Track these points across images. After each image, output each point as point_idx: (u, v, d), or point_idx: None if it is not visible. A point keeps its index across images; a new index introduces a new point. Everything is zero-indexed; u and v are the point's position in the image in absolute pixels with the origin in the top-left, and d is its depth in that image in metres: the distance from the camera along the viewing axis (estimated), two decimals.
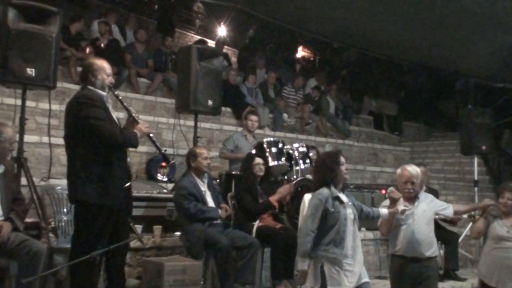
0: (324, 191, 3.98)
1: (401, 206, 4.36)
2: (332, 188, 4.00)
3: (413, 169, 4.52)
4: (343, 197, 4.06)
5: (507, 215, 4.80)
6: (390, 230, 4.49)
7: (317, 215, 3.90)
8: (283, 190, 5.54)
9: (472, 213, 5.14)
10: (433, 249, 4.47)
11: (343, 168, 4.08)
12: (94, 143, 3.93)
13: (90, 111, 3.92)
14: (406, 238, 4.41)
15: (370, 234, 6.80)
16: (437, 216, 4.91)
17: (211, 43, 11.32)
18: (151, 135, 4.31)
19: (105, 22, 9.12)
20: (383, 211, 4.41)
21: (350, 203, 4.10)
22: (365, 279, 4.06)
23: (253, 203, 5.51)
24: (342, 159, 4.11)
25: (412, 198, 4.52)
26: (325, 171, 4.08)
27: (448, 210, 4.66)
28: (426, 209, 4.51)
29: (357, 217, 4.12)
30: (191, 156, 5.42)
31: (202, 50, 6.43)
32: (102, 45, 8.70)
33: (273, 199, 5.48)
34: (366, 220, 4.78)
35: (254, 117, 7.19)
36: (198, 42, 10.63)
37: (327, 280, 3.87)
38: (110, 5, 10.72)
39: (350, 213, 4.03)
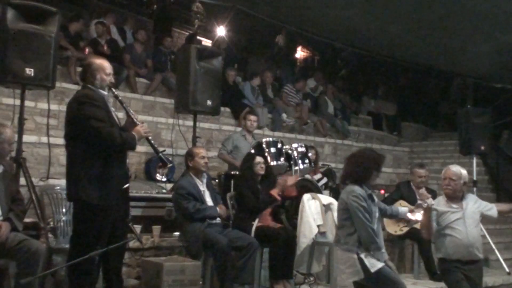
0: (357, 188, 4.07)
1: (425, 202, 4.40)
2: (364, 187, 4.10)
3: (456, 168, 4.58)
4: (374, 195, 4.20)
5: None
6: (430, 232, 4.49)
7: (367, 210, 4.01)
8: (282, 182, 5.59)
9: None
10: (482, 250, 4.52)
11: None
12: (94, 143, 3.93)
13: (91, 111, 3.91)
14: (459, 241, 4.41)
15: None
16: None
17: (203, 40, 11.32)
18: (149, 137, 4.29)
19: (101, 23, 9.11)
20: (402, 209, 4.54)
21: (376, 201, 4.25)
22: None
23: (255, 200, 5.52)
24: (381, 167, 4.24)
25: (458, 200, 4.54)
26: (365, 170, 4.15)
27: (493, 210, 4.65)
28: (474, 211, 4.53)
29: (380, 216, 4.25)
30: (189, 156, 5.44)
31: (201, 50, 6.44)
32: (105, 48, 8.70)
33: (275, 192, 5.51)
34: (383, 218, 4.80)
35: (253, 117, 7.20)
36: (189, 38, 10.63)
37: (367, 265, 3.93)
38: (109, 5, 10.70)
39: (377, 211, 4.17)
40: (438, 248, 4.58)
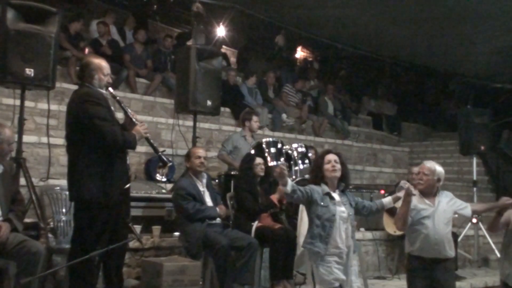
0: (313, 186, 4.06)
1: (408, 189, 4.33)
2: (323, 186, 4.04)
3: (430, 164, 4.50)
4: (335, 195, 4.06)
5: None
6: (405, 225, 4.41)
7: (302, 188, 3.97)
8: (283, 188, 5.56)
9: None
10: (451, 249, 4.42)
11: (328, 166, 4.06)
12: (96, 142, 3.93)
13: (95, 110, 3.92)
14: (425, 238, 4.34)
15: (369, 235, 6.81)
16: (456, 215, 4.88)
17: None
18: (148, 135, 4.29)
19: (103, 23, 9.11)
20: (386, 199, 4.40)
21: (345, 203, 4.08)
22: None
23: (254, 203, 5.51)
24: (328, 158, 4.09)
25: (431, 196, 4.47)
26: (313, 170, 4.24)
27: (467, 210, 4.57)
28: (446, 209, 4.45)
29: (353, 217, 4.10)
30: (186, 156, 5.46)
31: (201, 50, 6.44)
32: (107, 48, 8.70)
33: (275, 197, 5.50)
34: (371, 216, 4.65)
35: (256, 118, 7.21)
36: (179, 36, 10.60)
37: (315, 280, 3.93)
38: (109, 5, 10.69)
39: (342, 211, 4.02)
40: (407, 243, 4.52)
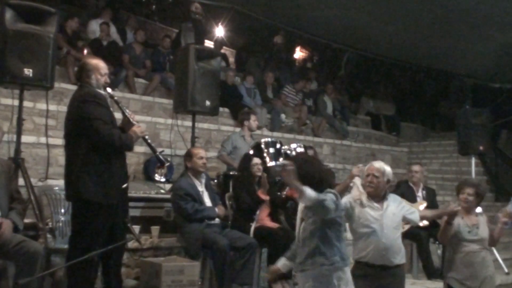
0: None
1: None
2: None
3: (379, 164, 4.18)
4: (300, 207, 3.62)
5: (468, 212, 4.49)
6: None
7: None
8: (264, 181, 5.62)
9: None
10: (400, 255, 4.14)
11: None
12: (94, 142, 3.93)
13: (94, 110, 3.93)
14: (373, 244, 4.03)
15: None
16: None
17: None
18: (146, 137, 4.30)
19: (106, 23, 9.11)
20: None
21: (307, 210, 3.51)
22: None
23: (249, 202, 5.53)
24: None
25: (380, 199, 4.13)
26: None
27: (414, 215, 4.30)
28: (396, 212, 4.14)
29: (309, 226, 3.50)
30: (187, 156, 5.46)
31: (199, 50, 6.44)
32: (106, 51, 8.69)
33: (260, 192, 5.54)
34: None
35: (254, 117, 7.22)
36: (176, 36, 10.59)
37: None
38: (107, 5, 10.66)
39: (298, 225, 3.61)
40: (354, 249, 4.19)
